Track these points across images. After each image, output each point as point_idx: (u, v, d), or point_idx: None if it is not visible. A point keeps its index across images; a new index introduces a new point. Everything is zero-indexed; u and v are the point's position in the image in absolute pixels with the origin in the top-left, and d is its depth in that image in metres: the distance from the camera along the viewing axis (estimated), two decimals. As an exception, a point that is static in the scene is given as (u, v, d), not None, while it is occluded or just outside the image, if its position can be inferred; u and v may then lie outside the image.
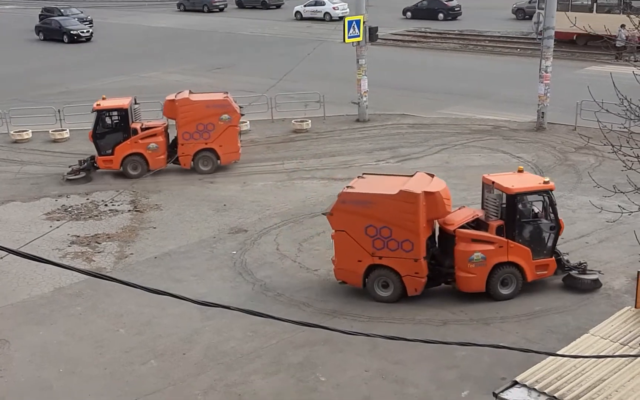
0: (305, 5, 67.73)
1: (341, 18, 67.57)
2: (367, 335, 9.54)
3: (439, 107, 35.74)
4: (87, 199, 26.00)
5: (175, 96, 27.99)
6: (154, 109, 33.74)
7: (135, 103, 28.55)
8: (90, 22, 62.03)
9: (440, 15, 62.65)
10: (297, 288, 19.37)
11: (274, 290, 19.30)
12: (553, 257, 18.50)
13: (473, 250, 17.97)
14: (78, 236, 22.97)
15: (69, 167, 28.17)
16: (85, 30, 58.78)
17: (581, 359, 11.57)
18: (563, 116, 32.05)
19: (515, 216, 18.11)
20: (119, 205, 25.28)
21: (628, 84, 12.68)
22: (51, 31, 59.48)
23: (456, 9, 63.24)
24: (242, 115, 28.44)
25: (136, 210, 24.94)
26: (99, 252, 21.92)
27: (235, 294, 19.14)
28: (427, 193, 17.63)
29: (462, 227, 18.25)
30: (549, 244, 18.47)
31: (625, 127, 12.77)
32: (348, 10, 60.33)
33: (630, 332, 12.62)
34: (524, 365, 12.53)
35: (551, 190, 18.32)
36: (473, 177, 26.54)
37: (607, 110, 12.62)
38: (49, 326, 18.07)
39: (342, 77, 39.44)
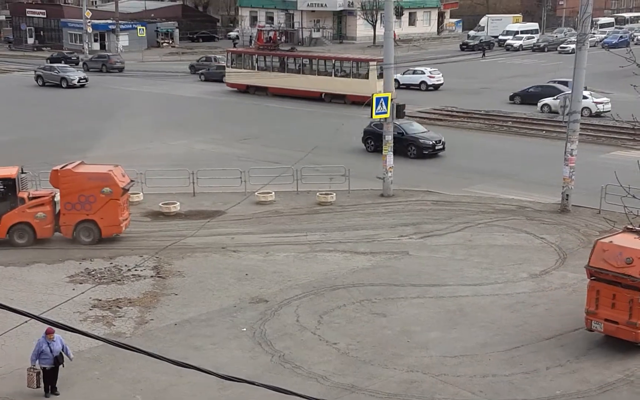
0: None
1: None
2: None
3: (464, 185, 35.82)
4: (111, 263, 26.16)
5: (62, 167, 28.29)
6: (180, 177, 34.16)
7: (22, 172, 28.79)
8: None
9: None
10: (316, 361, 19.27)
11: (292, 362, 19.21)
12: None
13: None
14: (100, 300, 23.06)
15: None
16: None
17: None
18: (587, 199, 31.96)
19: None
20: (142, 270, 25.41)
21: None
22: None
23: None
24: (127, 190, 28.41)
25: (159, 276, 25.05)
26: (119, 317, 21.97)
27: (253, 364, 19.08)
28: None
29: None
30: None
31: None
32: None
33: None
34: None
35: None
36: (495, 256, 26.52)
37: (633, 196, 12.63)
38: (67, 390, 18.06)
39: (369, 152, 39.75)
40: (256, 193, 32.49)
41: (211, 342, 20.43)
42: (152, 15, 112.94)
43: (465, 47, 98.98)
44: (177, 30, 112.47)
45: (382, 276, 24.91)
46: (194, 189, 34.05)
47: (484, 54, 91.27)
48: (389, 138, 33.84)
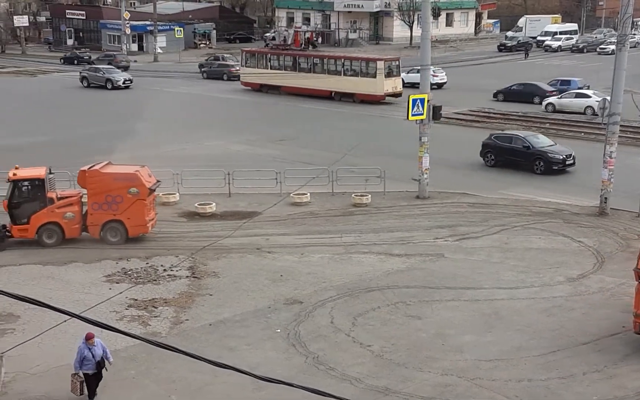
0: None
1: None
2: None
3: (500, 187, 35.54)
4: (147, 263, 26.36)
5: (89, 167, 28.50)
6: (216, 177, 34.37)
7: (50, 173, 28.95)
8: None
9: None
10: (350, 363, 19.25)
11: (326, 363, 19.21)
12: None
13: None
14: (136, 300, 23.25)
15: None
16: None
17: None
18: (626, 202, 31.55)
19: None
20: (177, 270, 25.58)
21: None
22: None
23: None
24: (153, 190, 28.51)
25: (194, 277, 25.19)
26: (155, 317, 22.13)
27: (287, 365, 19.11)
28: None
29: None
30: None
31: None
32: None
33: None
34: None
35: None
36: (532, 259, 26.28)
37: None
38: (102, 388, 18.19)
39: (404, 154, 39.62)
40: (291, 194, 32.57)
41: (245, 343, 20.50)
42: (190, 16, 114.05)
43: (503, 48, 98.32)
44: (214, 32, 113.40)
45: (417, 278, 24.81)
46: (229, 189, 34.20)
47: (526, 55, 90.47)
48: (424, 139, 33.66)
